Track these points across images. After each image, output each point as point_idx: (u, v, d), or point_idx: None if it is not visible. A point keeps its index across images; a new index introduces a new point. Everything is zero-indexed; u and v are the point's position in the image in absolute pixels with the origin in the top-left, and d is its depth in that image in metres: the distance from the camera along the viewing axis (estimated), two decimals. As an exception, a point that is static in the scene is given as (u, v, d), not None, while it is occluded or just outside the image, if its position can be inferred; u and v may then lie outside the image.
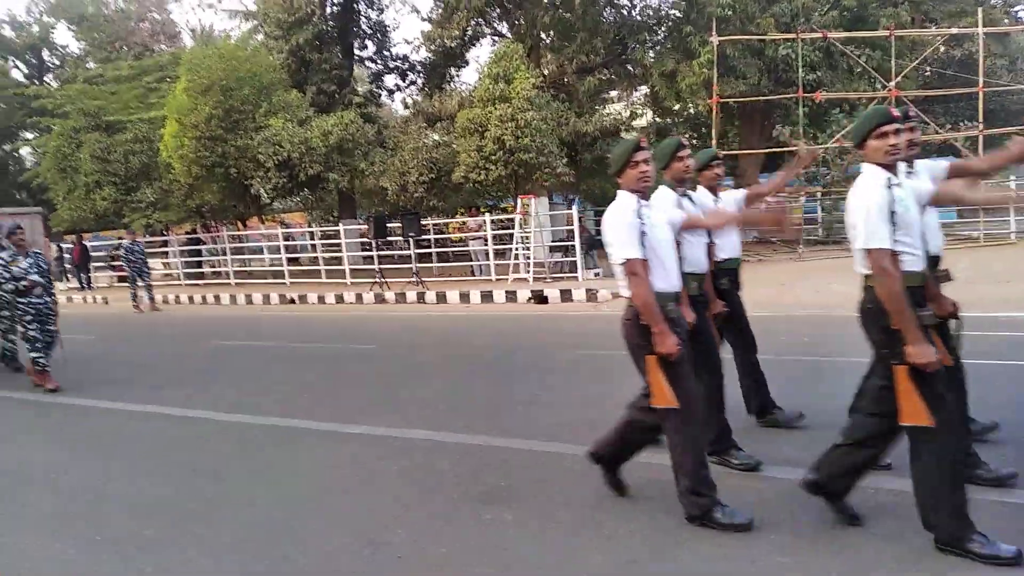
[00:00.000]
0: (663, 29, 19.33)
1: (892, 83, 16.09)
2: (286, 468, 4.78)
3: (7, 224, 8.31)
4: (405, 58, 23.34)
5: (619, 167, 3.52)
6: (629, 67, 21.25)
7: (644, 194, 3.53)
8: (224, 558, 3.50)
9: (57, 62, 37.79)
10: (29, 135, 34.16)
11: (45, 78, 37.50)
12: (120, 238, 25.44)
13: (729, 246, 4.56)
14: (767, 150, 21.28)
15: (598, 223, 24.81)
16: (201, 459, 5.09)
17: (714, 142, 17.73)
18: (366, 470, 4.59)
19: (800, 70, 17.21)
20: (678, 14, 18.76)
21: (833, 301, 9.99)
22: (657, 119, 29.57)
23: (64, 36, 37.60)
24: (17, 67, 38.04)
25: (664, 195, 4.07)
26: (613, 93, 28.93)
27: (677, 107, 26.46)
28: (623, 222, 3.43)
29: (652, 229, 3.44)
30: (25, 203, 31.36)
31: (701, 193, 4.46)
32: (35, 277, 7.61)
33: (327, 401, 6.55)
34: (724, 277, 4.53)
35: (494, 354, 8.38)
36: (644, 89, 25.65)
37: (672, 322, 3.44)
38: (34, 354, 7.71)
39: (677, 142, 4.12)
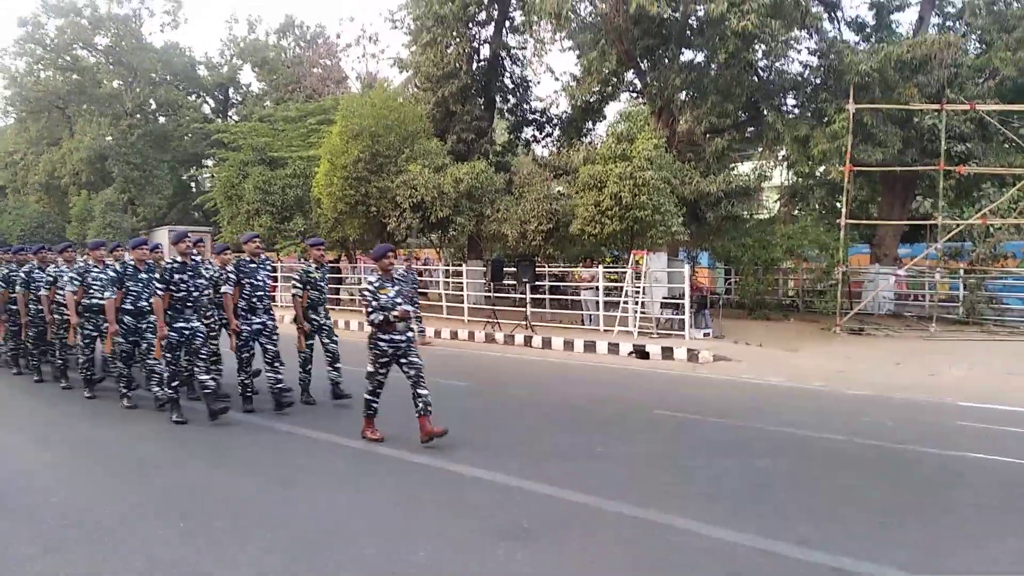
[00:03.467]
0: (799, 94, 19.13)
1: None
2: (349, 485, 5.39)
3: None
4: (543, 112, 24.30)
5: None
6: (761, 130, 21.09)
7: None
8: (273, 549, 4.10)
9: (240, 99, 42.20)
10: (209, 163, 38.23)
11: (229, 113, 41.99)
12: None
13: None
14: (905, 222, 20.37)
15: (727, 280, 24.54)
16: (280, 468, 5.80)
17: (845, 210, 17.29)
18: (413, 495, 5.10)
19: (944, 141, 16.51)
20: (816, 80, 18.54)
21: (944, 386, 9.55)
22: (799, 179, 28.93)
23: (248, 76, 41.93)
24: (206, 102, 42.91)
25: None
26: (757, 152, 28.66)
27: (819, 171, 25.83)
28: None
29: None
30: (199, 223, 35.19)
31: None
32: (406, 307, 6.36)
33: (405, 430, 7.11)
34: None
35: (574, 403, 8.68)
36: (781, 152, 25.26)
37: None
38: (368, 397, 6.61)
39: None
